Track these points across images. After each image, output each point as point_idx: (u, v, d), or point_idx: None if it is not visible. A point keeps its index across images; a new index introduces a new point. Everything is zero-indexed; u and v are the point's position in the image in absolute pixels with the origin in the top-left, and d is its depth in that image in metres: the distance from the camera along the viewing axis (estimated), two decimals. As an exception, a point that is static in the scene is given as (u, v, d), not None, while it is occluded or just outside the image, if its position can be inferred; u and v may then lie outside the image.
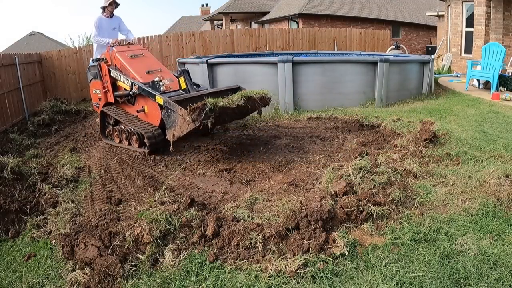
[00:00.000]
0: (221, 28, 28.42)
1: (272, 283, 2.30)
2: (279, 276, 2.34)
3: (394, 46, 13.70)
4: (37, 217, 3.45)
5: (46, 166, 4.48)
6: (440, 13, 15.57)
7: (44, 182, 4.05)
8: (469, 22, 11.26)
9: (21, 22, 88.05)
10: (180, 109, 4.39)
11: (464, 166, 3.76)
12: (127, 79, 5.35)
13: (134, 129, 5.17)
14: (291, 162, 4.48)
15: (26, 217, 3.44)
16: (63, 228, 3.14)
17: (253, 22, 26.40)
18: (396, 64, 7.11)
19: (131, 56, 5.69)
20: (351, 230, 2.77)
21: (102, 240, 2.69)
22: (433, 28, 20.71)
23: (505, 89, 7.92)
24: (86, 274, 2.51)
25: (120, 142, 5.59)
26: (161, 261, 2.61)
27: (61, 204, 3.59)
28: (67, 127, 7.34)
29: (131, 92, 5.34)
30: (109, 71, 5.62)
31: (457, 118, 5.74)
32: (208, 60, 7.44)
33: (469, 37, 11.31)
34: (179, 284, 2.40)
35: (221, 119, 4.51)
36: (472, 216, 2.90)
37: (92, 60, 6.06)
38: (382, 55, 7.98)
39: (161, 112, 4.77)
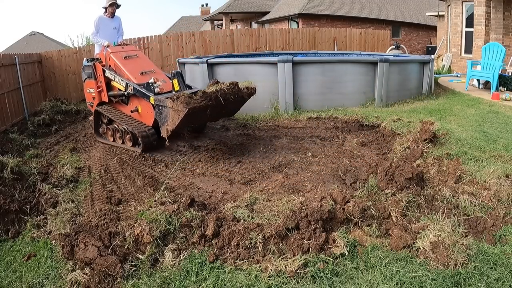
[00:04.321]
0: (221, 28, 28.43)
1: (272, 283, 2.30)
2: (279, 276, 2.34)
3: (394, 46, 13.70)
4: (37, 217, 3.44)
5: (46, 166, 4.48)
6: (440, 13, 15.57)
7: (44, 182, 4.05)
8: (469, 22, 11.25)
9: (21, 22, 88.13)
10: (169, 101, 4.57)
11: (464, 166, 3.75)
12: (122, 80, 5.47)
13: (128, 128, 5.32)
14: (291, 162, 4.48)
15: (26, 217, 3.44)
16: (63, 228, 3.14)
17: (253, 22, 26.38)
18: (396, 64, 7.11)
19: (125, 57, 5.80)
20: (351, 230, 2.78)
21: (102, 240, 2.69)
22: (433, 28, 20.70)
23: (505, 89, 7.91)
24: (86, 274, 2.51)
25: (114, 140, 5.77)
26: (161, 261, 2.61)
27: (61, 204, 3.59)
28: (67, 127, 7.35)
29: (125, 93, 5.47)
30: (104, 71, 5.72)
31: (457, 118, 5.74)
32: (208, 60, 7.44)
33: (469, 37, 11.31)
34: (179, 284, 2.40)
35: (213, 113, 4.68)
36: (472, 216, 2.90)
37: (86, 60, 6.21)
38: (382, 55, 7.98)
39: (154, 111, 4.94)
